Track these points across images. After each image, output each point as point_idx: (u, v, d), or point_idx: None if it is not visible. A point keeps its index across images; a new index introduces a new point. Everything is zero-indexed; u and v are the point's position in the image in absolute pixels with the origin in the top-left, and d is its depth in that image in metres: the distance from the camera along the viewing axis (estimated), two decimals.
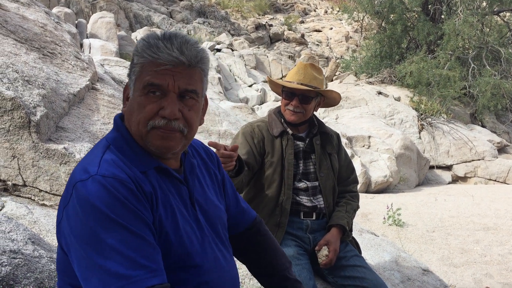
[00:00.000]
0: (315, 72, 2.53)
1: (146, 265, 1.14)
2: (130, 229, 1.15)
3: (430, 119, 12.79)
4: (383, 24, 17.35)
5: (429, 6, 16.66)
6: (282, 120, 2.59)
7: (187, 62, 1.26)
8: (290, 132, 2.57)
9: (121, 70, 6.33)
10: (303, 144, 2.58)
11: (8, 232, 2.17)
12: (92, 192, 1.15)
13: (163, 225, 1.25)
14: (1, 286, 1.90)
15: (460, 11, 15.31)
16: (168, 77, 1.24)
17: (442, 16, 16.50)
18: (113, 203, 1.15)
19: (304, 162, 2.56)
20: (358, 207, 2.71)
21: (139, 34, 15.38)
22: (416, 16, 16.67)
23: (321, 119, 2.78)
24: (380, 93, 13.80)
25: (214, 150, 1.93)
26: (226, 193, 1.62)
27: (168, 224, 1.27)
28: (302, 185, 2.53)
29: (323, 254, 2.42)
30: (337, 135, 2.76)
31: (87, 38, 12.46)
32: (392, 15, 16.67)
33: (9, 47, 3.62)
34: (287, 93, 2.53)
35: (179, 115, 1.27)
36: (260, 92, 14.61)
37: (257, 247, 1.66)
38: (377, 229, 6.12)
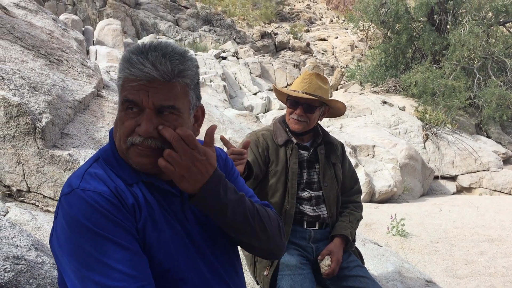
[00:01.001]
0: (320, 81, 2.54)
1: (135, 276, 1.14)
2: (114, 240, 1.15)
3: (435, 129, 12.76)
4: (388, 34, 17.38)
5: (435, 16, 16.70)
6: (287, 129, 2.59)
7: (161, 77, 1.20)
8: (295, 141, 2.56)
9: None
10: (308, 154, 2.58)
11: (12, 238, 2.18)
12: (74, 206, 1.16)
13: (146, 237, 1.23)
14: None
15: (466, 22, 15.33)
16: (143, 92, 1.20)
17: (448, 26, 16.53)
18: (94, 215, 1.15)
19: (308, 172, 2.56)
20: (361, 217, 2.70)
21: (145, 41, 15.46)
22: (422, 26, 16.71)
23: (325, 128, 2.78)
24: (385, 102, 13.80)
25: (225, 149, 1.92)
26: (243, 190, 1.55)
27: (154, 236, 1.24)
28: (305, 194, 2.53)
29: (326, 264, 2.41)
30: (342, 145, 2.76)
31: (93, 44, 12.54)
32: (397, 24, 16.72)
33: (16, 54, 3.65)
34: (291, 101, 2.53)
35: (155, 133, 1.22)
36: (265, 100, 14.64)
37: None
38: (381, 239, 6.09)
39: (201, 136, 1.34)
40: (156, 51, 1.21)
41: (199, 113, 1.38)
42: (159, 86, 1.21)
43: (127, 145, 1.25)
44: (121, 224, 1.18)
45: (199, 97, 1.34)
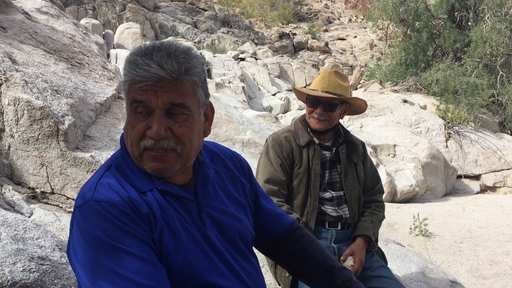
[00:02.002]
0: (339, 79, 2.51)
1: (151, 286, 1.13)
2: (130, 251, 1.13)
3: (457, 128, 12.56)
4: (408, 32, 17.18)
5: (456, 13, 16.44)
6: (308, 129, 2.57)
7: (169, 76, 1.18)
8: (317, 141, 2.54)
9: None
10: (330, 154, 2.56)
11: (37, 239, 2.21)
12: (87, 218, 1.15)
13: (163, 246, 1.21)
14: None
15: (488, 18, 15.06)
16: (151, 93, 1.18)
17: (469, 23, 16.25)
18: (109, 227, 1.14)
19: (330, 172, 2.54)
20: (383, 217, 2.67)
21: (146, 43, 15.57)
22: (442, 23, 16.47)
23: (345, 128, 2.75)
24: (405, 101, 13.63)
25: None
26: (262, 199, 1.58)
27: (171, 244, 1.22)
28: (327, 195, 2.51)
29: (349, 264, 2.38)
30: (363, 144, 2.73)
31: (113, 48, 12.70)
32: (417, 22, 16.51)
33: (39, 58, 3.71)
34: (311, 101, 2.51)
35: (167, 134, 1.20)
36: (283, 100, 14.61)
37: (300, 250, 1.59)
38: (403, 240, 6.02)
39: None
40: (160, 51, 1.19)
41: (209, 111, 1.36)
42: (167, 85, 1.19)
43: (140, 151, 1.22)
44: (136, 235, 1.16)
45: (207, 95, 1.32)
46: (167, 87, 1.19)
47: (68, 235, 2.62)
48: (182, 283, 1.24)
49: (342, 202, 2.53)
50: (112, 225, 1.14)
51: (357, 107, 2.62)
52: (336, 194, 2.52)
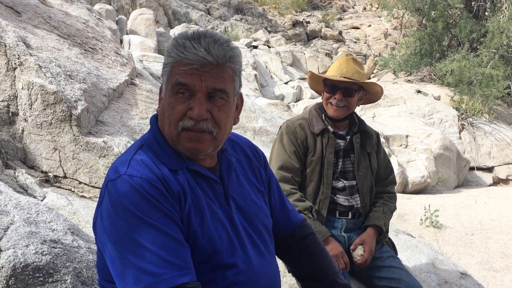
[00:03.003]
0: (357, 66, 2.49)
1: (176, 263, 1.16)
2: (159, 227, 1.16)
3: (471, 119, 12.41)
4: (423, 21, 16.94)
5: (473, 3, 16.16)
6: (323, 116, 2.55)
7: (215, 61, 1.24)
8: (331, 130, 2.53)
9: (159, 66, 6.42)
10: (344, 143, 2.54)
11: (49, 222, 2.23)
12: (121, 191, 1.18)
13: (191, 224, 1.25)
14: (41, 274, 1.95)
15: (505, 8, 14.78)
16: (196, 77, 1.23)
17: (486, 13, 15.98)
18: (141, 202, 1.17)
19: (343, 161, 2.52)
20: (395, 208, 2.66)
21: (177, 31, 15.56)
22: (459, 13, 16.20)
23: None
24: (419, 91, 13.49)
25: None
26: (272, 194, 1.59)
27: (197, 223, 1.26)
28: (339, 184, 2.50)
29: (358, 253, 2.38)
30: (377, 134, 2.70)
31: (126, 34, 12.70)
32: (433, 12, 16.25)
33: (53, 43, 3.72)
34: (329, 86, 2.48)
35: (207, 116, 1.25)
36: (296, 89, 14.54)
37: (303, 252, 1.61)
38: (414, 231, 5.99)
39: (237, 124, 1.36)
40: (207, 37, 1.25)
41: (239, 101, 1.42)
42: (211, 70, 1.24)
43: (178, 131, 1.27)
44: (167, 212, 1.19)
45: (241, 84, 1.37)
46: (211, 73, 1.24)
47: (80, 219, 2.66)
48: (203, 262, 1.27)
49: (354, 192, 2.52)
50: (144, 200, 1.17)
51: (373, 94, 2.60)
52: (348, 184, 2.51)
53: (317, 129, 2.50)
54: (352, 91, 2.46)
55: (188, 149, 1.28)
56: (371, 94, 2.60)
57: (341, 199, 2.49)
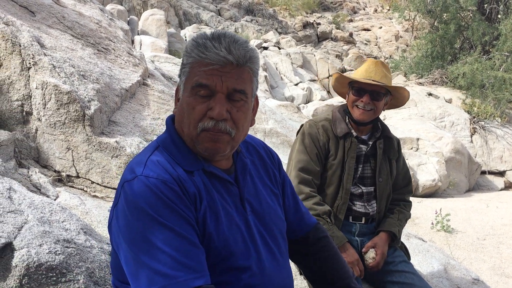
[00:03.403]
0: (385, 70, 2.44)
1: (191, 266, 1.15)
2: (174, 229, 1.16)
3: (483, 123, 12.30)
4: (435, 24, 16.84)
5: (485, 5, 16.03)
6: (347, 119, 2.50)
7: (235, 61, 1.24)
8: (354, 134, 2.48)
9: (170, 66, 6.43)
10: (365, 148, 2.49)
11: (62, 222, 2.24)
12: (137, 192, 1.18)
13: (206, 226, 1.24)
14: (54, 274, 1.96)
15: None
16: (216, 77, 1.23)
17: (499, 16, 15.84)
18: (157, 203, 1.16)
19: (363, 166, 2.48)
20: (410, 216, 2.63)
21: (188, 32, 15.61)
22: (471, 15, 16.08)
23: None
24: (430, 94, 13.40)
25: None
26: (285, 196, 1.59)
27: (212, 225, 1.25)
28: (357, 190, 2.46)
29: (370, 256, 2.37)
30: (398, 141, 2.65)
31: (138, 34, 12.76)
32: (445, 14, 16.15)
33: (66, 43, 3.74)
34: (357, 89, 2.43)
35: (227, 116, 1.26)
36: (306, 91, 14.51)
37: (316, 255, 1.60)
38: (425, 235, 5.95)
39: (255, 127, 1.35)
40: (227, 37, 1.25)
41: (255, 102, 1.41)
42: (232, 70, 1.25)
43: (198, 131, 1.27)
44: (182, 214, 1.19)
45: (257, 86, 1.37)
46: (231, 73, 1.25)
47: (92, 219, 2.66)
48: (217, 264, 1.26)
49: (371, 198, 2.49)
50: (159, 201, 1.17)
51: (400, 99, 2.55)
52: (366, 190, 2.47)
53: (340, 132, 2.45)
54: (380, 94, 2.41)
55: (206, 149, 1.28)
56: (397, 99, 2.54)
57: (358, 205, 2.46)
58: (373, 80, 2.38)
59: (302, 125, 2.57)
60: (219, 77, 1.24)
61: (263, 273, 1.33)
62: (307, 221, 1.64)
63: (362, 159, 2.48)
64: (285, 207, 1.58)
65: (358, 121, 2.44)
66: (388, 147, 2.55)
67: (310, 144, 2.44)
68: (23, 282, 1.89)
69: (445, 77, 14.80)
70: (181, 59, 1.34)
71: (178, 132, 1.34)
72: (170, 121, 1.38)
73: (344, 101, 2.60)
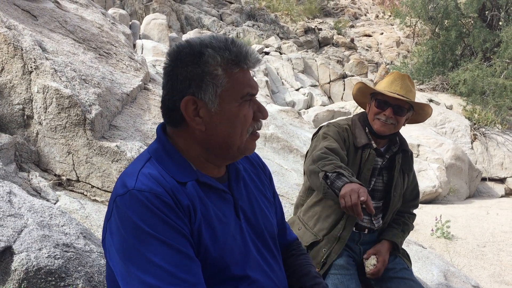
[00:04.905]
0: (410, 84, 2.39)
1: (186, 279, 1.14)
2: (168, 243, 1.15)
3: (483, 129, 12.31)
4: (436, 30, 16.88)
5: (486, 12, 16.08)
6: (367, 130, 2.42)
7: (252, 65, 1.28)
8: (374, 146, 2.41)
9: None
10: (381, 161, 2.43)
11: (62, 226, 2.24)
12: (129, 207, 1.16)
13: (202, 238, 1.23)
14: (53, 278, 1.96)
15: None
16: (253, 81, 1.28)
17: (500, 23, 15.88)
18: (150, 217, 1.15)
19: (376, 179, 2.43)
20: (412, 228, 2.62)
21: (189, 36, 15.64)
22: (472, 22, 16.12)
23: None
24: (431, 100, 13.42)
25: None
26: (276, 206, 1.59)
27: (208, 236, 1.24)
28: None
29: (371, 263, 2.36)
30: (411, 154, 2.59)
31: (140, 39, 12.79)
32: (446, 20, 16.20)
33: (68, 47, 3.75)
34: (380, 101, 2.35)
35: None
36: (307, 96, 14.53)
37: (289, 268, 1.57)
38: (424, 241, 5.94)
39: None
40: (238, 42, 1.29)
41: None
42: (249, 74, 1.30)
43: (247, 136, 1.30)
44: (176, 227, 1.18)
45: None
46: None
47: (92, 223, 2.66)
48: (215, 275, 1.26)
49: (378, 212, 2.45)
50: (153, 215, 1.15)
51: (422, 115, 2.48)
52: (375, 204, 2.42)
53: (359, 142, 2.37)
54: (403, 109, 2.35)
55: (252, 150, 1.34)
56: (419, 115, 2.48)
57: (365, 219, 2.41)
58: (398, 94, 2.32)
59: (319, 128, 2.45)
60: (253, 79, 1.30)
61: (261, 282, 1.32)
62: (288, 236, 1.65)
63: (376, 172, 2.42)
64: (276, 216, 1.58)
65: (378, 133, 2.38)
66: (405, 161, 2.49)
67: (337, 136, 2.34)
68: (22, 286, 1.88)
69: (446, 84, 14.83)
70: (193, 70, 1.23)
71: (173, 143, 1.31)
72: (161, 130, 1.34)
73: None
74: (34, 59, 3.18)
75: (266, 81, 13.57)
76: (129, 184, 1.20)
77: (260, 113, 1.29)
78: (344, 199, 1.70)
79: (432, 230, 6.37)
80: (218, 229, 1.27)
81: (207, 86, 1.23)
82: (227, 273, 1.27)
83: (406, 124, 2.50)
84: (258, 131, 1.32)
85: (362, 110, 2.59)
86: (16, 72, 3.13)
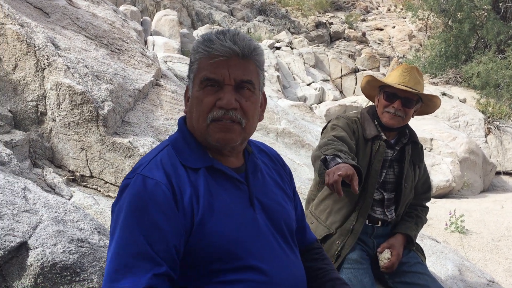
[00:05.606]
0: (419, 76, 2.38)
1: (163, 268, 1.18)
2: (158, 227, 1.19)
3: (498, 123, 12.15)
4: (449, 23, 16.69)
5: (500, 4, 15.85)
6: (376, 122, 2.44)
7: (241, 52, 1.27)
8: (384, 137, 2.41)
9: (183, 67, 6.45)
10: (392, 153, 2.44)
11: (76, 221, 2.26)
12: (131, 188, 1.23)
13: (206, 226, 1.25)
14: (68, 273, 1.97)
15: None
16: (224, 70, 1.26)
17: None
18: (148, 203, 1.20)
19: (387, 171, 2.43)
20: (426, 221, 2.60)
21: (200, 32, 15.64)
22: (486, 14, 15.90)
23: None
24: (444, 94, 13.28)
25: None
26: (296, 205, 1.59)
27: (213, 224, 1.26)
28: (378, 195, 2.42)
29: (385, 257, 2.35)
30: (422, 146, 2.60)
31: (151, 35, 12.82)
32: (459, 13, 16.00)
33: (80, 43, 3.77)
34: (389, 94, 2.36)
35: (236, 105, 1.28)
36: (318, 91, 14.47)
37: (311, 270, 1.56)
38: (438, 236, 5.89)
39: (260, 125, 1.36)
40: (230, 31, 1.31)
41: (263, 99, 1.44)
42: (238, 63, 1.28)
43: (207, 123, 1.29)
44: (170, 217, 1.21)
45: (264, 82, 1.41)
46: (237, 65, 1.28)
47: (106, 219, 2.68)
48: (226, 263, 1.27)
49: (391, 204, 2.45)
50: (151, 202, 1.20)
51: (431, 107, 2.49)
52: (387, 196, 2.43)
53: (369, 134, 2.38)
54: (412, 101, 2.35)
55: (218, 140, 1.30)
56: (427, 107, 2.49)
57: (378, 211, 2.42)
58: (406, 86, 2.32)
59: (330, 121, 2.45)
60: (226, 69, 1.27)
61: (274, 272, 1.32)
62: (308, 236, 1.65)
63: (387, 164, 2.42)
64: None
65: (387, 126, 2.38)
66: (415, 152, 2.49)
67: (345, 127, 2.34)
68: (38, 281, 1.90)
69: (459, 77, 14.66)
70: (189, 58, 1.36)
71: (191, 131, 1.36)
72: (182, 121, 1.41)
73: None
74: (47, 56, 3.20)
75: (278, 76, 13.54)
76: (139, 168, 1.28)
77: (220, 100, 1.27)
78: (328, 176, 1.69)
79: (446, 224, 6.32)
80: (229, 218, 1.29)
81: (189, 73, 1.34)
82: (240, 262, 1.27)
83: (416, 116, 2.50)
84: (222, 121, 1.28)
85: (372, 104, 2.58)
86: (29, 69, 3.15)
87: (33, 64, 3.16)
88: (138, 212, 1.19)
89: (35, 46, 3.20)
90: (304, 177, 4.51)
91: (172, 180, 1.24)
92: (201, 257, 1.25)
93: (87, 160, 3.06)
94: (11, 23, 3.22)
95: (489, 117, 12.35)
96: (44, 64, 3.16)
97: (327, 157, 1.88)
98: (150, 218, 1.19)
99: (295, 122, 5.95)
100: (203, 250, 1.25)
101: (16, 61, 3.16)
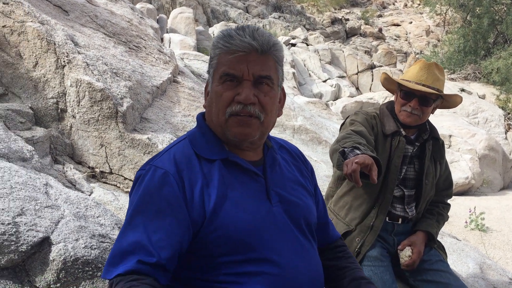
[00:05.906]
0: (438, 72, 2.32)
1: (161, 255, 1.20)
2: (165, 217, 1.22)
3: None
4: (468, 18, 16.46)
5: None
6: (395, 118, 2.39)
7: (260, 47, 1.28)
8: (403, 133, 2.37)
9: (199, 64, 6.46)
10: (412, 149, 2.39)
11: (97, 217, 2.27)
12: (143, 177, 1.28)
13: (217, 218, 1.25)
14: (90, 268, 1.99)
15: None
16: (243, 65, 1.27)
17: None
18: (157, 193, 1.24)
19: (407, 168, 2.39)
20: (447, 218, 2.56)
21: (216, 29, 15.67)
22: (505, 9, 15.65)
23: None
24: (463, 90, 13.11)
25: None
26: (317, 201, 1.57)
27: (225, 216, 1.26)
28: (398, 192, 2.38)
29: (406, 254, 2.32)
30: (443, 143, 2.54)
31: (167, 33, 12.88)
32: (478, 8, 15.78)
33: (99, 41, 3.80)
34: (405, 92, 2.31)
35: (255, 100, 1.28)
36: (334, 87, 14.39)
37: (334, 268, 1.55)
38: (458, 233, 5.82)
39: (277, 122, 1.35)
40: (250, 27, 1.32)
41: (281, 94, 1.44)
42: (257, 58, 1.29)
43: (226, 116, 1.30)
44: (175, 207, 1.24)
45: (283, 77, 1.40)
46: (256, 61, 1.29)
47: (125, 214, 2.70)
48: (241, 255, 1.26)
49: (411, 201, 2.41)
50: (159, 193, 1.24)
51: (451, 102, 2.43)
52: (407, 193, 2.39)
53: (388, 130, 2.34)
54: (429, 100, 2.29)
55: (236, 135, 1.31)
56: (448, 102, 2.43)
57: (398, 208, 2.38)
58: (423, 85, 2.26)
59: (348, 116, 2.42)
60: (245, 65, 1.28)
61: (288, 264, 1.31)
62: (331, 233, 1.63)
63: (407, 160, 2.38)
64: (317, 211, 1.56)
65: (404, 124, 2.35)
66: (436, 149, 2.45)
67: (364, 122, 2.31)
68: (60, 276, 1.92)
69: (478, 73, 14.47)
70: (209, 54, 1.38)
71: (210, 125, 1.38)
72: (201, 116, 1.43)
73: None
74: (67, 53, 3.22)
75: (293, 73, 13.50)
76: (154, 159, 1.32)
77: (238, 95, 1.28)
78: (346, 166, 1.66)
79: (466, 222, 6.24)
80: (241, 209, 1.29)
81: (209, 68, 1.37)
82: (251, 254, 1.27)
83: (438, 109, 2.45)
84: (240, 115, 1.29)
85: (391, 100, 2.54)
86: (49, 66, 3.18)
87: (53, 62, 3.18)
88: (144, 201, 1.23)
89: (55, 44, 3.23)
90: (321, 174, 4.49)
91: (182, 171, 1.27)
92: (214, 247, 1.25)
93: (106, 157, 3.08)
94: (31, 21, 3.25)
95: (509, 113, 12.17)
96: (64, 61, 3.19)
97: (346, 149, 1.85)
98: (154, 207, 1.22)
99: (312, 119, 5.92)
100: (215, 240, 1.25)
101: (36, 59, 3.20)
